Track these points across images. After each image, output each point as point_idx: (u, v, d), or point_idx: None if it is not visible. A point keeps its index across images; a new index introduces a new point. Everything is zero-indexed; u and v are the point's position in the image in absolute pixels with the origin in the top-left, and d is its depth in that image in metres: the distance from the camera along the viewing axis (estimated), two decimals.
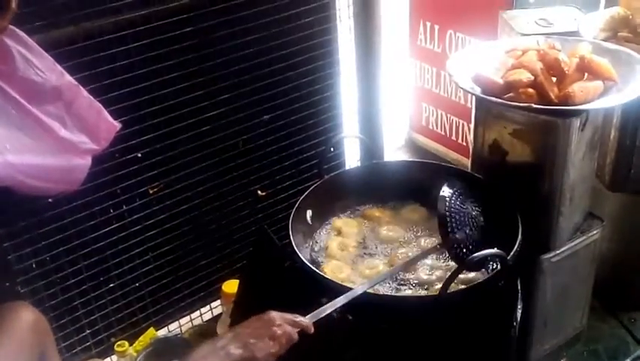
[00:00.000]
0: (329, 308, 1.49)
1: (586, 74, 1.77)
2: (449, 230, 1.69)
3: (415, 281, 1.77)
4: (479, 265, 1.69)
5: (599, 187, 2.17)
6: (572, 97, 1.70)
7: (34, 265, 1.97)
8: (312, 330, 1.42)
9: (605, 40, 1.99)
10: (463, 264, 1.59)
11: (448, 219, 1.69)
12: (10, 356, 1.57)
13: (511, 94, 1.74)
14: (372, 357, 1.71)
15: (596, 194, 2.12)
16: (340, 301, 1.52)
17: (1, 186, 1.65)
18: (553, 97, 1.72)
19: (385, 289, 1.74)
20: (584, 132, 1.81)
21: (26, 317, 1.64)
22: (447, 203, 1.71)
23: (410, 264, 1.77)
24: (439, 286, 1.70)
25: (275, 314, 1.40)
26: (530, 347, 2.13)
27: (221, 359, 1.31)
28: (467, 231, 1.72)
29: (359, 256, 1.88)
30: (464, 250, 1.71)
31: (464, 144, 3.09)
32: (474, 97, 1.88)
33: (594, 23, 2.08)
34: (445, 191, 1.73)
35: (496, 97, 1.75)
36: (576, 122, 1.75)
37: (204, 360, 1.31)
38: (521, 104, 1.72)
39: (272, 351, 1.34)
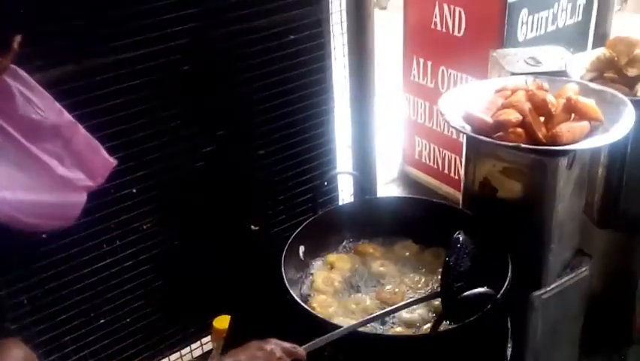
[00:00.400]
0: (323, 342, 1.49)
1: (573, 115, 1.79)
2: (450, 280, 1.65)
3: (397, 320, 1.76)
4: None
5: (587, 224, 2.18)
6: (559, 137, 1.72)
7: (25, 301, 1.95)
8: None
9: (591, 80, 2.02)
10: (455, 304, 1.58)
11: (453, 271, 1.66)
12: None
13: (500, 133, 1.75)
14: None
15: (585, 231, 2.12)
16: (332, 337, 1.51)
17: None
18: (541, 137, 1.74)
19: (369, 328, 1.71)
20: (572, 171, 1.82)
21: (17, 353, 1.61)
22: (456, 254, 1.67)
23: (403, 308, 1.74)
24: (422, 325, 1.72)
25: (275, 343, 1.41)
26: None
27: None
28: (463, 284, 1.68)
29: (346, 290, 1.87)
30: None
31: (456, 177, 3.11)
32: (465, 135, 1.89)
33: (581, 63, 2.12)
34: (458, 241, 1.70)
35: (486, 136, 1.76)
36: (563, 162, 1.76)
37: None
38: (510, 144, 1.73)
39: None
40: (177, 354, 2.37)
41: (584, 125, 1.76)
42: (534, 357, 2.06)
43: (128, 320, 2.19)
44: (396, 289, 1.85)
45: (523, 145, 1.71)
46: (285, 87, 2.23)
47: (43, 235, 1.89)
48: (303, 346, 1.46)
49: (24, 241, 1.84)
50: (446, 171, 3.21)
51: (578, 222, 2.04)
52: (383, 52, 2.79)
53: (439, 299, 1.68)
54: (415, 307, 1.78)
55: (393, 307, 1.73)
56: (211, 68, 2.04)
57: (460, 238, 1.69)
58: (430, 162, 3.27)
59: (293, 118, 2.29)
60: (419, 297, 1.77)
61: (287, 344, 1.43)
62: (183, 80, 2.00)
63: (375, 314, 1.69)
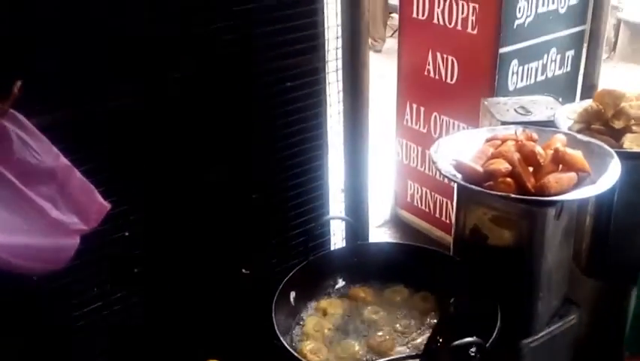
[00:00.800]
0: None
1: (560, 165, 1.80)
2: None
3: None
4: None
5: (576, 272, 2.17)
6: (547, 187, 1.73)
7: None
8: None
9: (578, 131, 2.05)
10: (444, 352, 1.57)
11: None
12: None
13: (490, 182, 1.76)
14: None
15: (574, 279, 2.12)
16: None
17: None
18: (530, 187, 1.75)
19: None
20: (560, 221, 1.83)
21: None
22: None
23: None
24: None
25: None
26: None
27: None
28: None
29: (336, 337, 1.85)
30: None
31: (448, 221, 3.11)
32: (456, 184, 1.90)
33: (569, 114, 2.14)
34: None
35: (477, 184, 1.77)
36: (552, 212, 1.77)
37: None
38: (500, 193, 1.74)
39: None
40: None
41: (572, 176, 1.77)
42: None
43: None
44: (387, 337, 1.83)
45: (513, 195, 1.72)
46: (280, 132, 2.24)
47: (34, 278, 1.85)
48: None
49: (14, 282, 1.77)
50: (438, 215, 3.21)
51: (566, 270, 2.04)
52: (377, 94, 2.81)
53: None
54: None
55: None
56: (205, 111, 2.05)
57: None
58: (422, 205, 3.27)
59: (287, 163, 2.30)
60: (400, 356, 1.76)
61: None
62: (176, 124, 2.01)
63: None
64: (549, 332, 1.99)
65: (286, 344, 1.69)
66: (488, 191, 1.75)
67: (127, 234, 2.03)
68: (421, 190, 3.21)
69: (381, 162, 3.47)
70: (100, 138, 1.88)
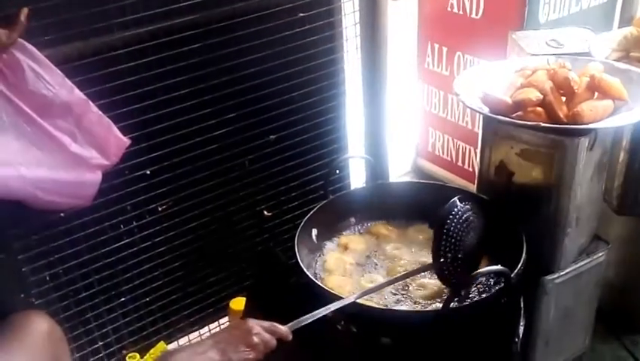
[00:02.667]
0: (309, 318, 1.35)
1: (596, 94, 1.55)
2: (442, 250, 1.43)
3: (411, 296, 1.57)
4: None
5: (606, 210, 1.92)
6: (581, 116, 1.48)
7: (47, 278, 1.79)
8: (290, 337, 1.31)
9: (617, 60, 1.77)
10: (468, 280, 1.39)
11: (445, 238, 1.43)
12: None
13: (519, 113, 1.52)
14: None
15: (603, 217, 1.88)
16: (325, 310, 1.37)
17: (15, 201, 1.50)
18: (562, 116, 1.50)
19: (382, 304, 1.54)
20: (593, 153, 1.59)
21: (41, 325, 1.49)
22: (450, 221, 1.43)
23: (403, 278, 1.56)
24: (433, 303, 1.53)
25: (252, 322, 1.29)
26: None
27: None
28: (459, 255, 1.45)
29: (359, 271, 1.67)
30: (451, 270, 1.46)
31: (470, 169, 2.85)
32: (481, 117, 1.67)
33: (606, 43, 1.85)
34: (452, 207, 1.45)
35: (504, 116, 1.54)
36: (585, 142, 1.52)
37: None
38: (529, 123, 1.50)
39: (249, 357, 1.25)
40: (196, 333, 2.17)
41: (608, 104, 1.52)
42: (545, 340, 1.84)
43: (147, 299, 2.01)
44: (409, 268, 1.63)
45: (543, 124, 1.48)
46: (295, 68, 1.98)
47: (61, 214, 1.73)
48: (287, 324, 1.32)
49: (43, 219, 1.70)
50: (460, 163, 2.94)
51: (597, 207, 1.80)
52: (395, 42, 2.49)
53: None
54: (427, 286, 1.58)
55: (395, 276, 1.55)
56: (219, 47, 1.82)
57: (458, 204, 1.44)
58: (443, 154, 3.01)
59: (304, 102, 2.05)
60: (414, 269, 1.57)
61: (266, 323, 1.30)
62: (192, 60, 1.79)
63: (375, 285, 1.51)
64: (575, 269, 1.77)
65: (311, 275, 1.51)
66: (517, 121, 1.51)
67: (148, 172, 1.84)
68: (443, 138, 2.94)
69: (401, 111, 3.17)
70: (117, 71, 1.68)
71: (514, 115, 1.53)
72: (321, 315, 1.35)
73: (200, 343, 1.28)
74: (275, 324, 1.30)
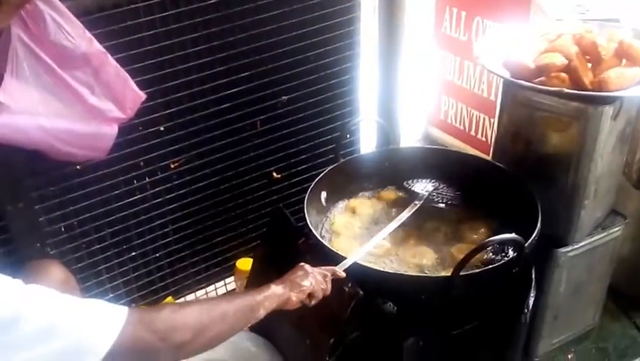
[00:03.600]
0: (351, 261, 1.35)
1: (624, 61, 1.42)
2: None
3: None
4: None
5: (624, 185, 1.80)
6: (607, 83, 1.36)
7: (62, 229, 1.74)
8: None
9: None
10: (479, 245, 1.29)
11: None
12: None
13: (542, 78, 1.40)
14: (378, 337, 1.45)
15: (621, 192, 1.76)
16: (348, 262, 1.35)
17: (33, 150, 1.46)
18: (587, 83, 1.38)
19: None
20: (617, 123, 1.47)
21: (56, 273, 1.46)
22: None
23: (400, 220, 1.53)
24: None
25: (313, 269, 1.30)
26: (539, 339, 1.80)
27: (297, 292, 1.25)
28: None
29: (367, 234, 1.59)
30: None
31: (484, 139, 2.70)
32: (501, 81, 1.55)
33: (636, 9, 1.70)
34: None
35: (526, 81, 1.42)
36: (609, 111, 1.41)
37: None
38: (553, 89, 1.38)
39: (323, 288, 1.28)
40: (203, 291, 2.11)
41: (636, 72, 1.39)
42: (554, 314, 1.76)
43: (157, 254, 1.95)
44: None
45: (567, 90, 1.36)
46: (310, 28, 1.86)
47: (77, 167, 1.67)
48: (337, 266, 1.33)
49: (59, 170, 1.65)
50: (473, 133, 2.79)
51: (616, 180, 1.69)
52: (413, 5, 2.32)
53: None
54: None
55: (398, 218, 1.50)
56: (238, 3, 1.71)
57: None
58: (456, 122, 2.86)
59: (317, 62, 1.93)
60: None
61: (323, 269, 1.32)
62: (210, 16, 1.69)
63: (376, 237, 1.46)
64: (590, 243, 1.66)
65: (319, 237, 1.43)
66: (540, 86, 1.39)
67: (162, 128, 1.76)
68: (457, 106, 2.79)
69: (415, 76, 3.00)
70: (135, 25, 1.59)
71: (536, 80, 1.41)
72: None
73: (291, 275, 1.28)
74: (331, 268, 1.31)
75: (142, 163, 1.78)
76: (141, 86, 1.57)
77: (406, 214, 1.55)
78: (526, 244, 1.31)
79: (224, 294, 1.22)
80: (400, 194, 1.72)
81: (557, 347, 1.87)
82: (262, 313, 1.19)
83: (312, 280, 1.26)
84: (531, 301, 1.47)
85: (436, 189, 1.72)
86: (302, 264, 1.31)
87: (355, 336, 1.44)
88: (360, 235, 1.58)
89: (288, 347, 1.58)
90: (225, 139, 1.88)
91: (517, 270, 1.36)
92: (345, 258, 1.38)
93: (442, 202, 1.66)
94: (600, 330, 1.95)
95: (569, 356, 1.88)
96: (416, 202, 1.60)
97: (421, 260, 1.49)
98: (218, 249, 2.05)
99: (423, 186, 1.74)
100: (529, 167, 1.61)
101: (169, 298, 2.02)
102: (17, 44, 1.36)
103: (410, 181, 1.76)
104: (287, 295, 1.23)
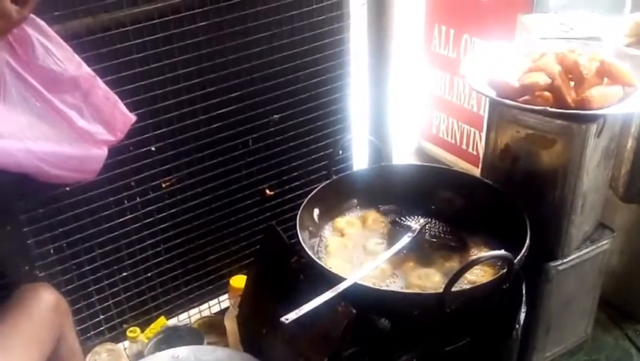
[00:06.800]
0: (311, 305, 1.33)
1: (605, 79, 1.52)
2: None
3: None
4: None
5: (611, 198, 1.90)
6: (589, 102, 1.45)
7: (51, 251, 1.79)
8: None
9: (628, 45, 1.72)
10: (469, 262, 1.36)
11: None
12: (30, 334, 1.44)
13: (526, 97, 1.49)
14: (372, 354, 1.50)
15: (609, 205, 1.85)
16: (327, 295, 1.35)
17: (22, 173, 1.50)
18: (570, 101, 1.47)
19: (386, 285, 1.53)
20: (600, 139, 1.56)
21: (47, 297, 1.51)
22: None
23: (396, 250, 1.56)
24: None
25: None
26: (532, 353, 1.88)
27: None
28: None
29: (361, 253, 1.65)
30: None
31: (475, 153, 2.81)
32: (487, 100, 1.64)
33: (618, 29, 1.80)
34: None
35: (511, 100, 1.51)
36: (593, 128, 1.49)
37: None
38: (537, 108, 1.47)
39: None
40: (196, 310, 2.17)
41: (617, 90, 1.49)
42: (546, 328, 1.83)
43: (148, 274, 2.00)
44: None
45: (551, 109, 1.45)
46: (300, 48, 1.94)
47: (67, 188, 1.73)
48: (289, 315, 1.29)
49: (48, 193, 1.70)
50: (464, 147, 2.91)
51: (602, 194, 1.78)
52: (402, 23, 2.42)
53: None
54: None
55: (394, 247, 1.54)
56: (226, 26, 1.79)
57: None
58: (447, 137, 2.97)
59: (308, 81, 2.01)
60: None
61: None
62: (200, 38, 1.76)
63: (375, 262, 1.50)
64: (579, 257, 1.75)
65: (312, 255, 1.49)
66: (524, 105, 1.48)
67: (153, 149, 1.83)
68: (448, 121, 2.91)
69: (406, 92, 3.11)
70: (124, 48, 1.66)
71: (521, 99, 1.50)
72: (323, 300, 1.34)
73: None
74: None
75: (133, 183, 1.84)
76: (131, 107, 1.63)
77: (401, 244, 1.60)
78: (515, 260, 1.38)
79: None
80: (392, 214, 1.78)
81: (550, 360, 1.94)
82: None
83: None
84: (522, 316, 1.55)
85: (427, 212, 1.77)
86: None
87: (349, 354, 1.48)
88: (354, 256, 1.64)
89: None
90: (217, 158, 1.95)
91: (507, 286, 1.43)
92: (340, 277, 1.41)
93: (434, 226, 1.73)
94: (593, 342, 2.03)
95: None
96: (409, 234, 1.64)
97: (425, 282, 1.54)
98: (211, 267, 2.11)
99: (416, 210, 1.80)
100: (517, 183, 1.69)
101: (161, 318, 2.07)
102: (5, 69, 1.42)
103: (403, 200, 1.82)
104: None
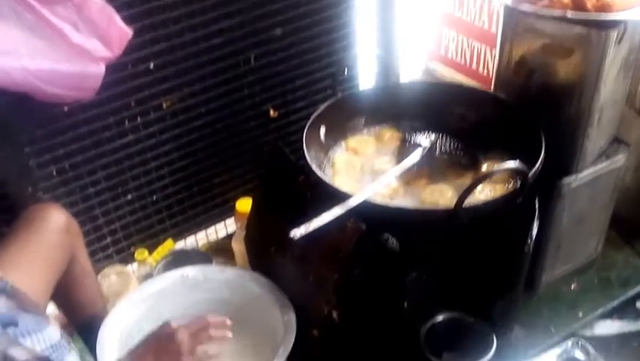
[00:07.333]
0: (320, 222, 1.31)
1: None
2: None
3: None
4: None
5: (628, 114, 1.84)
6: (610, 6, 1.39)
7: (54, 173, 1.79)
8: (229, 323, 1.26)
9: None
10: (483, 175, 1.35)
11: None
12: (40, 254, 1.43)
13: (544, 2, 1.43)
14: (381, 274, 1.49)
15: (624, 121, 1.80)
16: (336, 212, 1.34)
17: (20, 93, 1.48)
18: (589, 6, 1.40)
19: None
20: (620, 48, 1.50)
21: (57, 217, 1.49)
22: None
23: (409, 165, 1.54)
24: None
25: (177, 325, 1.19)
26: (542, 270, 1.88)
27: None
28: None
29: (369, 173, 1.63)
30: None
31: (485, 73, 2.73)
32: (502, 9, 1.57)
33: None
34: None
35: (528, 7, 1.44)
36: (613, 35, 1.43)
37: None
38: (555, 14, 1.41)
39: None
40: (203, 233, 2.19)
41: None
42: (556, 245, 1.83)
43: (154, 197, 2.01)
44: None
45: (570, 14, 1.39)
46: None
47: (65, 108, 1.70)
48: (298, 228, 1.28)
49: (47, 112, 1.68)
50: (474, 66, 2.82)
51: (619, 108, 1.73)
52: None
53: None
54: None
55: (405, 162, 1.52)
56: None
57: None
58: (457, 57, 2.87)
59: None
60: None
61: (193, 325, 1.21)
62: None
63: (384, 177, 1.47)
64: (593, 172, 1.72)
65: (320, 173, 1.47)
66: (542, 10, 1.42)
67: (151, 67, 1.78)
68: (457, 39, 2.81)
69: (414, 10, 3.00)
70: None
71: (538, 4, 1.43)
72: (333, 216, 1.33)
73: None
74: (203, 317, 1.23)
75: (133, 103, 1.82)
76: (127, 21, 1.57)
77: (412, 159, 1.58)
78: (530, 173, 1.37)
79: None
80: (403, 132, 1.76)
81: (560, 278, 1.95)
82: None
83: (181, 338, 1.17)
84: (534, 231, 1.54)
85: (438, 129, 1.74)
86: (167, 322, 1.21)
87: (359, 272, 1.49)
88: (362, 174, 1.62)
89: (292, 286, 1.63)
90: (218, 76, 1.90)
91: (520, 200, 1.42)
92: (347, 194, 1.40)
93: (446, 143, 1.70)
94: (603, 260, 2.03)
95: (572, 287, 1.97)
96: (421, 149, 1.62)
97: (439, 198, 1.53)
98: (216, 190, 2.11)
99: (427, 127, 1.77)
100: (532, 97, 1.64)
101: (169, 241, 2.09)
102: None
103: (413, 119, 1.79)
104: None
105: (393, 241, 1.45)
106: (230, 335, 1.25)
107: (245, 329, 1.76)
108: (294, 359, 1.50)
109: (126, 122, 1.84)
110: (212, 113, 1.95)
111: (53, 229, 1.47)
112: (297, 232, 1.31)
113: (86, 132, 1.78)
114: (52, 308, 1.64)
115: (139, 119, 1.85)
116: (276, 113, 2.07)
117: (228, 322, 1.25)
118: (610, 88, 1.57)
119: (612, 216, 1.94)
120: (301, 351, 1.50)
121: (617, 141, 1.78)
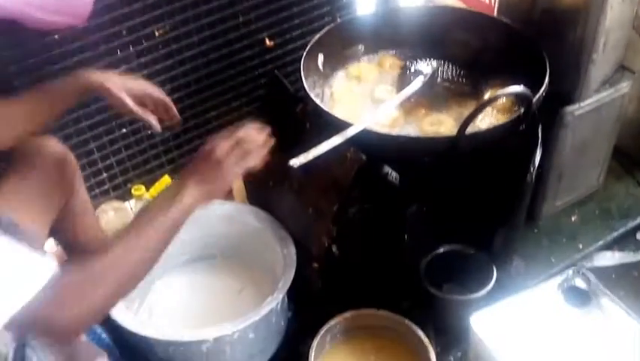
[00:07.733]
0: (320, 150, 1.30)
1: None
2: None
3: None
4: None
5: (634, 40, 1.80)
6: None
7: None
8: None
9: None
10: (486, 100, 1.32)
11: None
12: (38, 188, 1.40)
13: None
14: (381, 207, 1.49)
15: (630, 47, 1.76)
16: (340, 138, 1.31)
17: (10, 20, 1.44)
18: None
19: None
20: None
21: (54, 150, 1.46)
22: None
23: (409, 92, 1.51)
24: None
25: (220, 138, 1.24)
26: (543, 201, 1.88)
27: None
28: None
29: (369, 102, 1.61)
30: None
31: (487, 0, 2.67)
32: None
33: None
34: None
35: None
36: None
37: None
38: None
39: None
40: None
41: None
42: (559, 174, 1.82)
43: (149, 131, 1.97)
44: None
45: None
46: None
47: (56, 36, 1.66)
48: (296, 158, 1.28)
49: (38, 41, 1.64)
50: None
51: (625, 34, 1.69)
52: None
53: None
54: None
55: (406, 90, 1.48)
56: None
57: None
58: None
59: None
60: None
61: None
62: None
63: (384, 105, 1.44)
64: (597, 100, 1.70)
65: (318, 102, 1.44)
66: None
67: None
68: None
69: None
70: None
71: None
72: (332, 145, 1.31)
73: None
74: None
75: (124, 32, 1.77)
76: None
77: (413, 87, 1.55)
78: (534, 99, 1.34)
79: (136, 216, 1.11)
80: (403, 59, 1.72)
81: (561, 209, 1.95)
82: (181, 227, 1.14)
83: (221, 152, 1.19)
84: (537, 159, 1.52)
85: (440, 56, 1.70)
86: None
87: (359, 203, 1.49)
88: (362, 103, 1.60)
89: (291, 219, 1.63)
90: (211, 2, 1.84)
91: (524, 127, 1.40)
92: (349, 124, 1.38)
93: (448, 70, 1.66)
94: (604, 191, 2.03)
95: (573, 218, 1.97)
96: (422, 77, 1.59)
97: (439, 128, 1.51)
98: (212, 124, 2.08)
99: (428, 54, 1.73)
100: (536, 22, 1.61)
101: (165, 177, 2.07)
102: None
103: (413, 45, 1.74)
104: (206, 191, 1.16)
105: (393, 175, 1.44)
106: (272, 141, 1.25)
107: (245, 264, 1.78)
108: (295, 292, 1.51)
109: (118, 52, 1.79)
110: (206, 42, 1.90)
111: (50, 162, 1.44)
112: (297, 161, 1.29)
113: (76, 62, 1.73)
114: (51, 244, 1.64)
115: (131, 48, 1.80)
116: (272, 43, 2.02)
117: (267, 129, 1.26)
118: (617, 10, 1.53)
119: (615, 147, 1.92)
120: (302, 284, 1.51)
121: (622, 69, 1.75)
